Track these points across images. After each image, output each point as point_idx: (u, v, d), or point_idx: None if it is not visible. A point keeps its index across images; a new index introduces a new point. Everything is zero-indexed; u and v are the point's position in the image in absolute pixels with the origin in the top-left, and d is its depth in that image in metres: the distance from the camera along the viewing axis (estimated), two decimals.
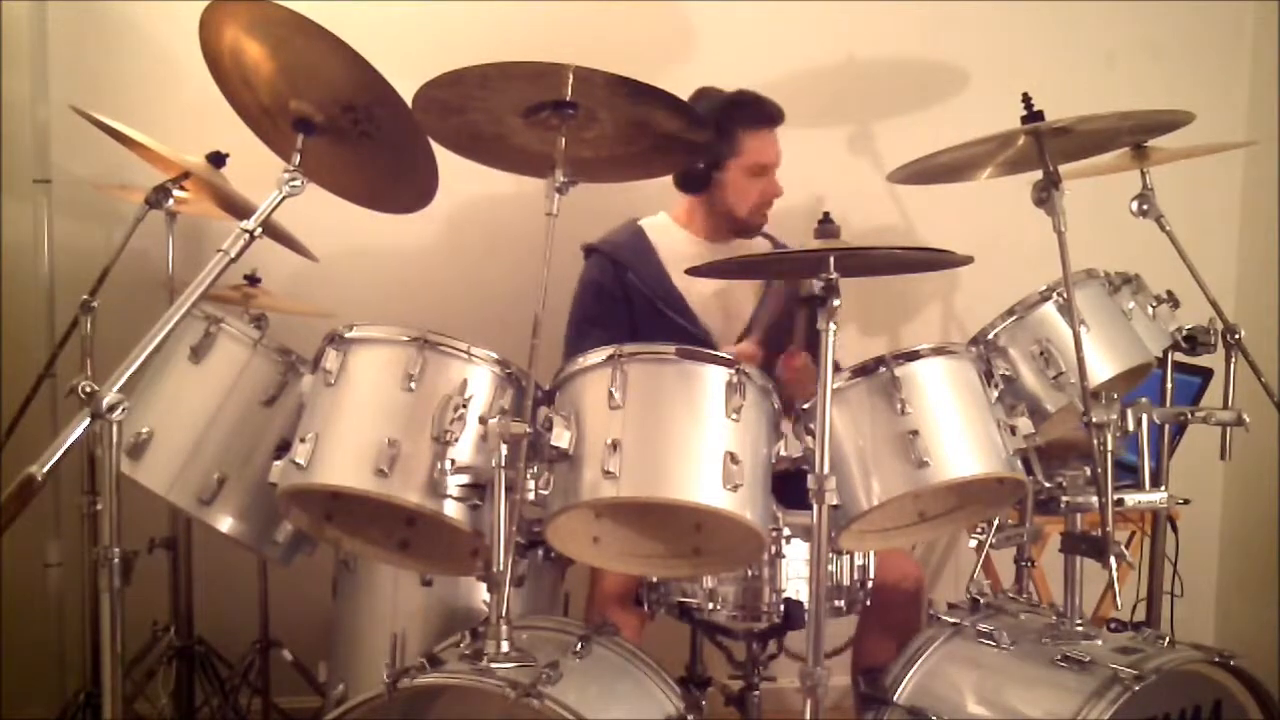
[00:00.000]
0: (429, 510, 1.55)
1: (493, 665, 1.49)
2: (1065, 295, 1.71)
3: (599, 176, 1.84)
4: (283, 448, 1.63)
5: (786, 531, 1.76)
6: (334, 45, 1.53)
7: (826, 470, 1.49)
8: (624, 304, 2.32)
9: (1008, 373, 1.77)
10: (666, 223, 2.42)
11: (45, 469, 1.30)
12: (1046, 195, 1.74)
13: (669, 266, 2.33)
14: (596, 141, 1.71)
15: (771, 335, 2.27)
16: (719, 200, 2.34)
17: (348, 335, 1.64)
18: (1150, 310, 1.97)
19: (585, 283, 2.36)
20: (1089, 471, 1.76)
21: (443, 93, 1.60)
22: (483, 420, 1.57)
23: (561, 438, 1.52)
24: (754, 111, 2.31)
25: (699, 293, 2.31)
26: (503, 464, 1.50)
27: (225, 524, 1.73)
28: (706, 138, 1.78)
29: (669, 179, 2.31)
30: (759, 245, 2.44)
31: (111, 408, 1.35)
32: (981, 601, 1.92)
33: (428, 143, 1.70)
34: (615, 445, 1.49)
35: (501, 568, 1.50)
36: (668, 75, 2.34)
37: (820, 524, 1.49)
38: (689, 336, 2.28)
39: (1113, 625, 1.83)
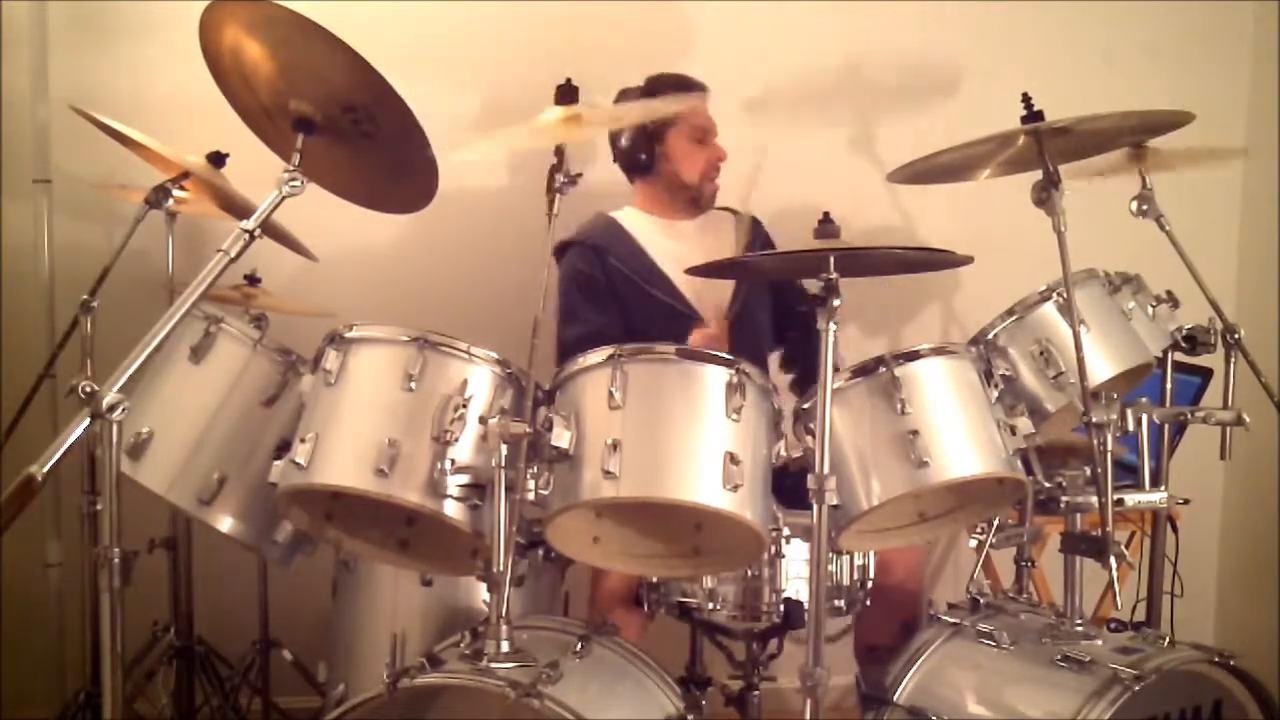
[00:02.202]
0: (429, 510, 1.55)
1: (493, 665, 1.49)
2: (1065, 295, 1.71)
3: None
4: (283, 448, 1.63)
5: (786, 531, 1.76)
6: (334, 45, 1.53)
7: (826, 470, 1.49)
8: (608, 289, 2.33)
9: (1008, 373, 1.77)
10: (633, 212, 2.45)
11: (45, 469, 1.30)
12: (1046, 195, 1.74)
13: (647, 247, 2.37)
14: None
15: (741, 318, 2.30)
16: (670, 174, 2.38)
17: (348, 335, 1.64)
18: (1150, 310, 1.97)
19: (568, 274, 2.37)
20: (1089, 471, 1.76)
21: None
22: (483, 420, 1.57)
23: (561, 438, 1.52)
24: (680, 81, 2.35)
25: (680, 272, 2.33)
26: (503, 464, 1.50)
27: (225, 524, 1.73)
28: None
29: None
30: (722, 219, 2.47)
31: (111, 408, 1.35)
32: (981, 601, 1.93)
33: (428, 142, 1.70)
34: (615, 445, 1.49)
35: (501, 568, 1.50)
36: None
37: (820, 524, 1.49)
38: (677, 314, 2.30)
39: (1113, 625, 1.83)
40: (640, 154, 2.37)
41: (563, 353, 2.29)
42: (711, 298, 2.35)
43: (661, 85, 2.34)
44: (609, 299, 2.33)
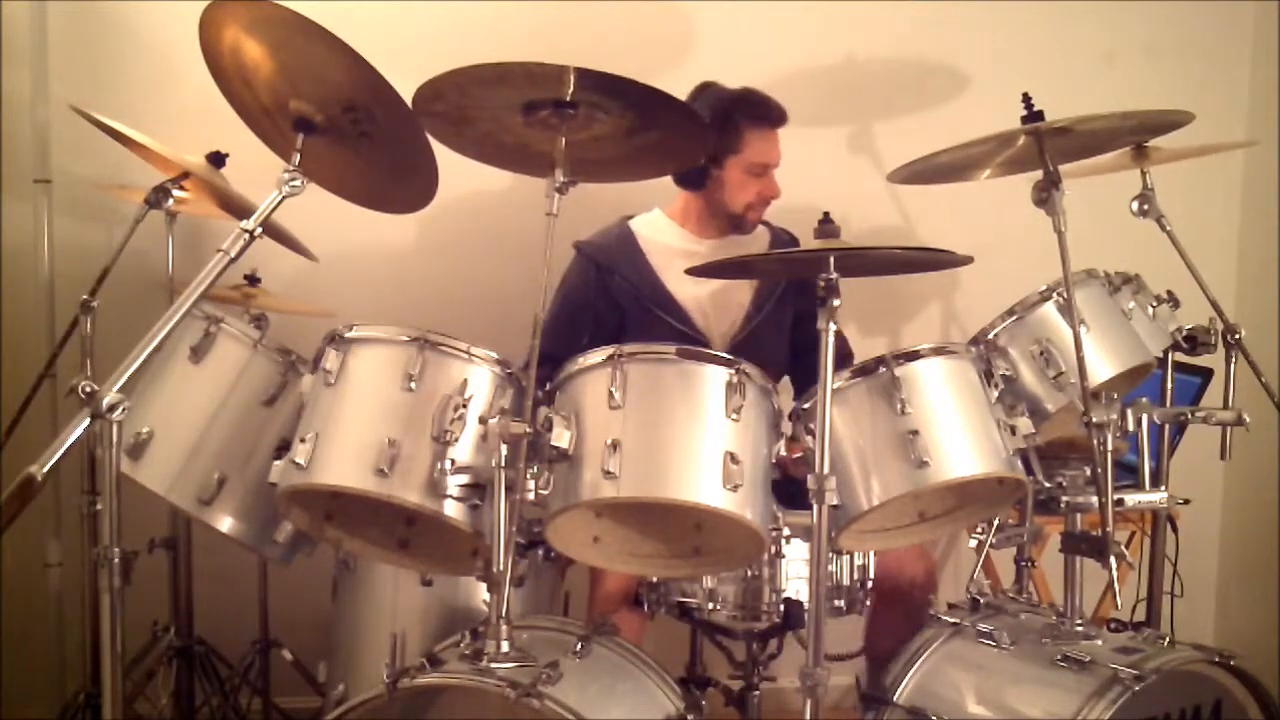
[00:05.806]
0: (429, 510, 1.56)
1: (493, 665, 1.49)
2: (1065, 295, 1.71)
3: (598, 176, 1.84)
4: (283, 448, 1.63)
5: (786, 531, 1.76)
6: (334, 45, 1.53)
7: (826, 470, 1.49)
8: (592, 309, 2.29)
9: (1008, 373, 1.77)
10: (659, 220, 2.39)
11: (45, 469, 1.30)
12: (1046, 195, 1.74)
13: (658, 266, 2.31)
14: (597, 142, 1.71)
15: (748, 344, 2.25)
16: (716, 197, 2.32)
17: (348, 335, 1.64)
18: (1150, 310, 1.97)
19: (563, 284, 2.34)
20: (1089, 471, 1.76)
21: (443, 92, 1.60)
22: (483, 420, 1.57)
23: (561, 438, 1.52)
24: (760, 109, 2.29)
25: (691, 292, 2.29)
26: (503, 464, 1.50)
27: (225, 524, 1.73)
28: (707, 143, 1.76)
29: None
30: (758, 238, 2.44)
31: (111, 408, 1.35)
32: (981, 601, 1.93)
33: (428, 143, 1.70)
34: (615, 445, 1.49)
35: (501, 568, 1.50)
36: (668, 75, 2.35)
37: (820, 524, 1.49)
38: (681, 336, 2.26)
39: (1113, 625, 1.83)
40: (694, 170, 2.26)
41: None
42: (721, 321, 2.32)
43: (744, 107, 2.26)
44: (587, 319, 2.28)
